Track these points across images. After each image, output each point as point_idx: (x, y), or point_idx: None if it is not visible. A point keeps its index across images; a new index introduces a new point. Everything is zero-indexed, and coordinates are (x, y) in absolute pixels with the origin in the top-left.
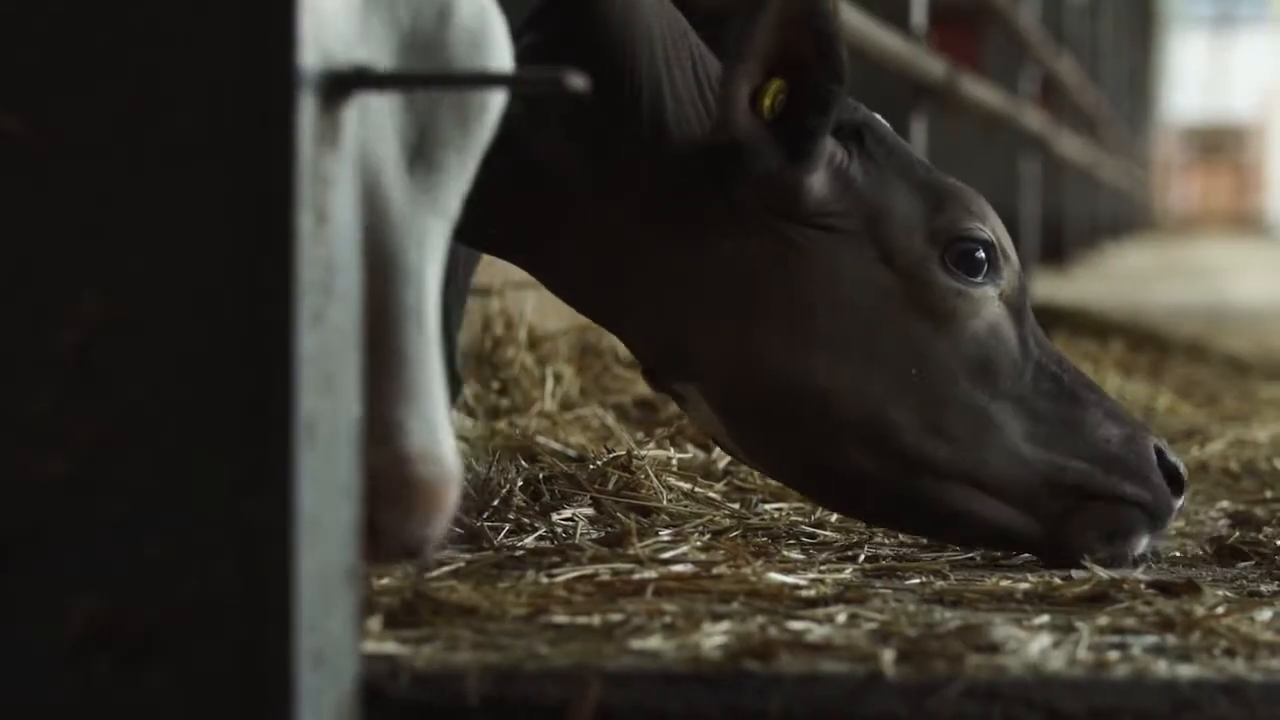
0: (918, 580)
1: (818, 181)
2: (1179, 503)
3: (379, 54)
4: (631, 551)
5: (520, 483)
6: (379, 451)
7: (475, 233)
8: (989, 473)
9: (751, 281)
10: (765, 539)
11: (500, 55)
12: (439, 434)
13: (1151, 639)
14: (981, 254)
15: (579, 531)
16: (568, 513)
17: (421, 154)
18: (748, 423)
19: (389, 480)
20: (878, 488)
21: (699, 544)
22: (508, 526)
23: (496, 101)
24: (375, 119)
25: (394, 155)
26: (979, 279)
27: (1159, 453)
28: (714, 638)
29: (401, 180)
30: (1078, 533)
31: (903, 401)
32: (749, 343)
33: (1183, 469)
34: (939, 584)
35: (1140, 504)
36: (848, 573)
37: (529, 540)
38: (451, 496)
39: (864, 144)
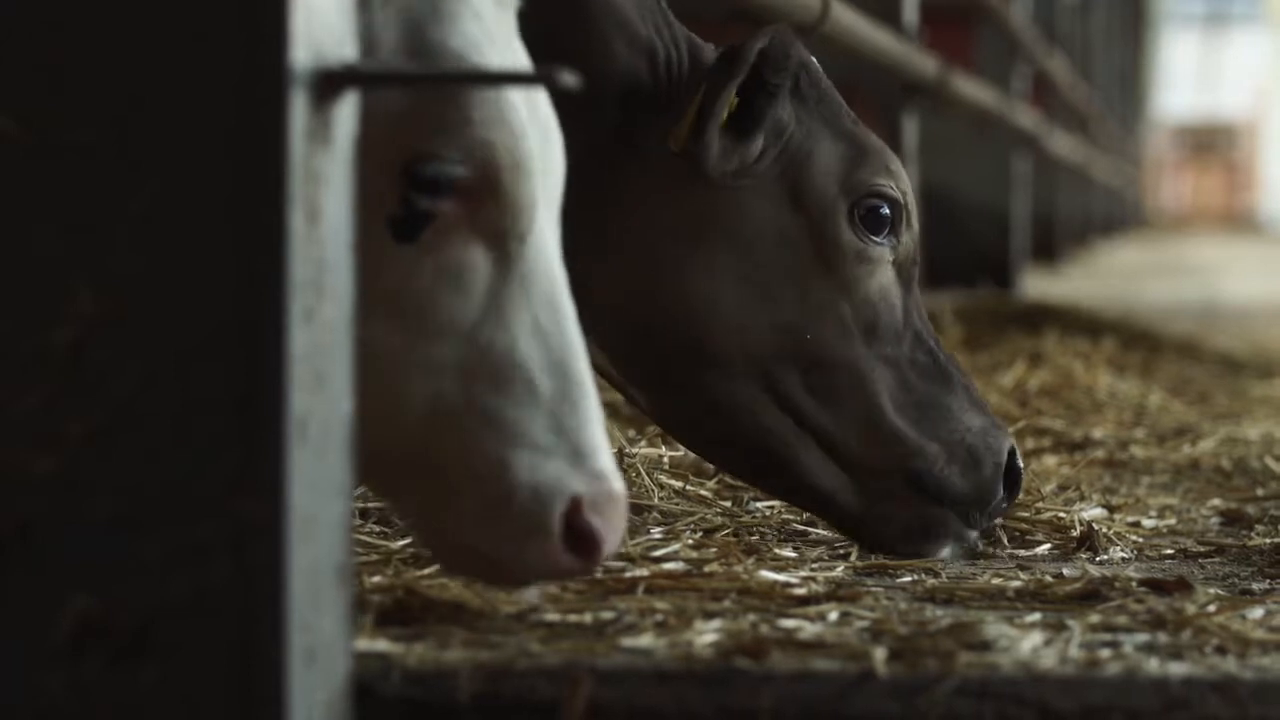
0: (909, 578)
1: (755, 141)
2: (1005, 506)
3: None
4: (623, 549)
5: None
6: (586, 478)
7: None
8: (846, 439)
9: (657, 211)
10: (757, 537)
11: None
12: (605, 447)
13: (1143, 637)
14: (887, 211)
15: None
16: None
17: (544, 170)
18: (631, 355)
19: (602, 504)
20: (739, 432)
21: (691, 542)
22: None
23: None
24: (533, 144)
25: (542, 188)
26: (880, 238)
27: (1010, 453)
28: (706, 635)
29: (547, 205)
30: (887, 522)
31: (783, 347)
32: (645, 272)
33: (1024, 477)
34: (930, 582)
35: (963, 503)
36: (839, 571)
37: None
38: (626, 505)
39: (798, 84)
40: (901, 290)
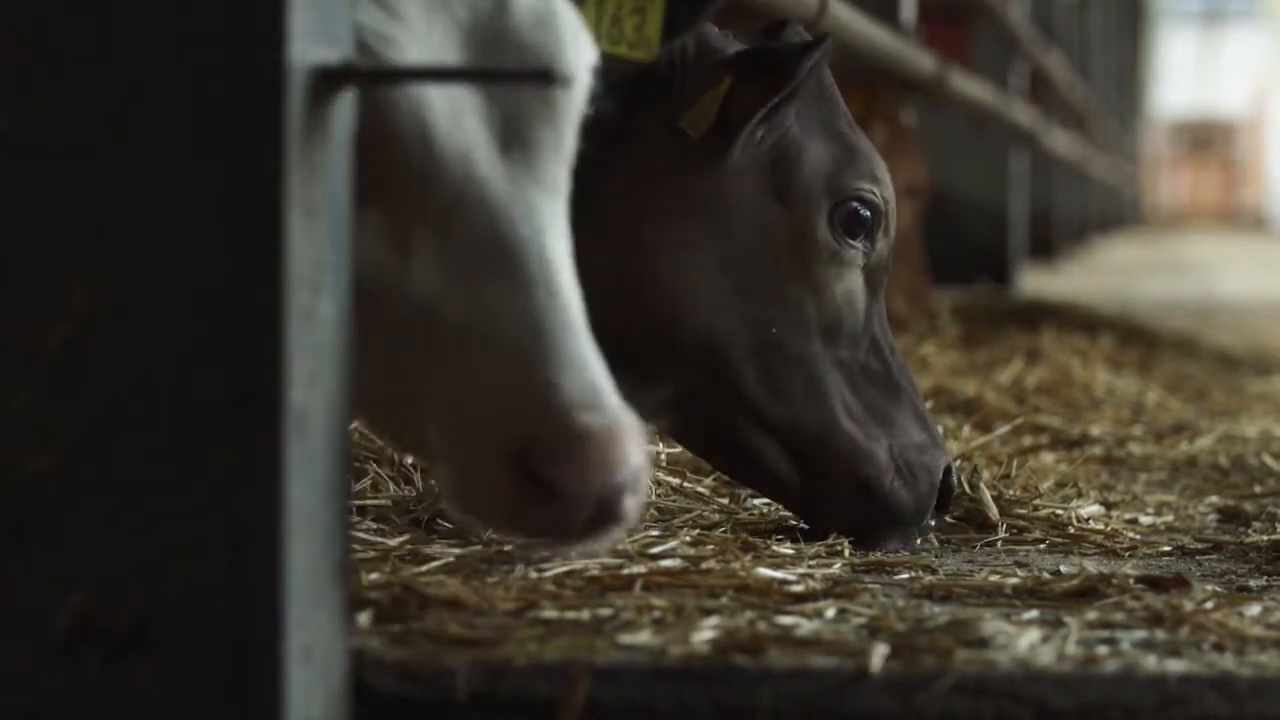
0: (907, 575)
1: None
2: (934, 524)
3: (442, 51)
4: (620, 546)
5: None
6: (540, 417)
7: None
8: (798, 436)
9: (645, 191)
10: (754, 534)
11: (568, 33)
12: (597, 387)
13: (1140, 634)
14: (867, 214)
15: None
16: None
17: (515, 135)
18: (603, 332)
19: (554, 437)
20: (702, 416)
21: (688, 539)
22: None
23: (576, 71)
24: (454, 109)
25: (483, 142)
26: (856, 242)
27: (946, 471)
28: (703, 633)
29: (497, 164)
30: (831, 520)
31: (748, 336)
32: (628, 250)
33: (956, 493)
34: (928, 579)
35: (904, 518)
36: (837, 568)
37: None
38: (628, 445)
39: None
40: (868, 296)
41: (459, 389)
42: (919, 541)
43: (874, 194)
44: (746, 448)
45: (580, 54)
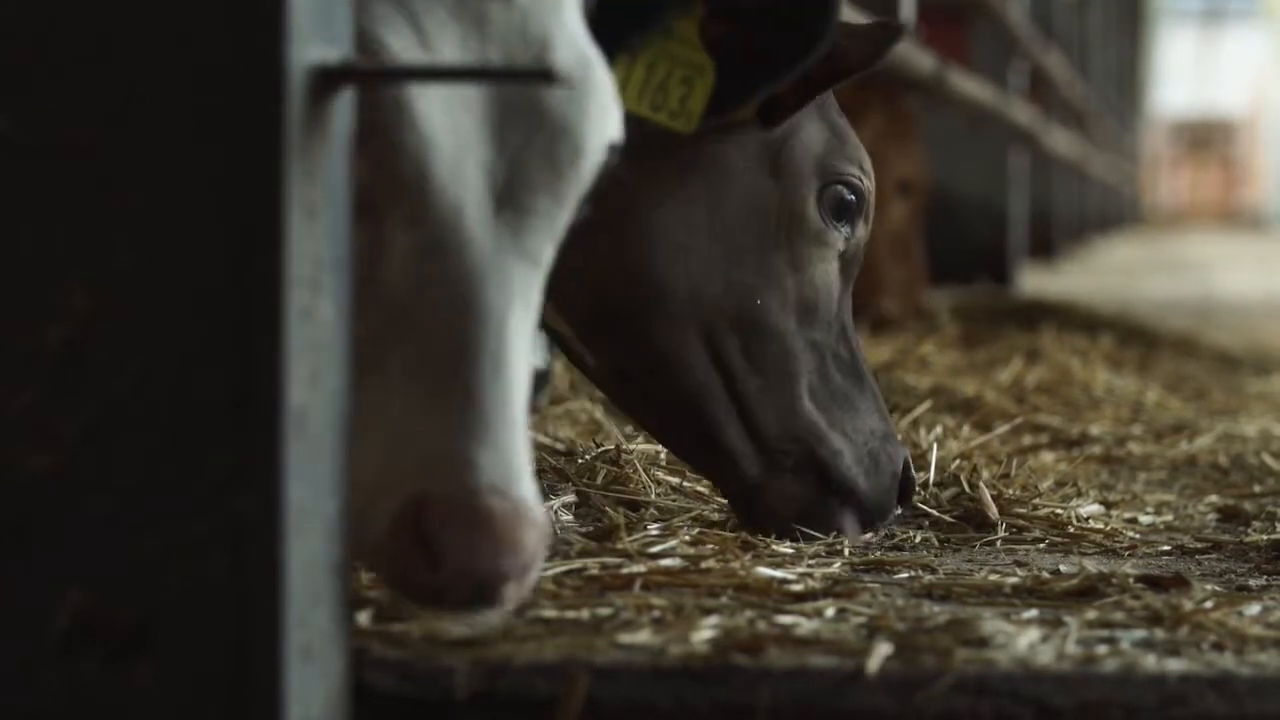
0: (906, 574)
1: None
2: (897, 511)
3: (466, 93)
4: (620, 546)
5: None
6: (446, 483)
7: None
8: (765, 410)
9: (644, 158)
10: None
11: (600, 103)
12: (514, 472)
13: (1140, 633)
14: (852, 198)
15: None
16: (555, 503)
17: (511, 197)
18: (588, 303)
19: (456, 511)
20: (671, 384)
21: (687, 538)
22: None
23: (593, 148)
24: (459, 162)
25: (478, 197)
26: (840, 225)
27: (905, 465)
28: (702, 632)
29: (485, 222)
30: (785, 500)
31: (732, 307)
32: (621, 215)
33: (916, 486)
34: (928, 578)
35: (861, 504)
36: (836, 567)
37: None
38: (527, 535)
39: None
40: (841, 283)
41: (381, 432)
42: (871, 535)
43: (860, 180)
44: (711, 419)
45: (603, 131)
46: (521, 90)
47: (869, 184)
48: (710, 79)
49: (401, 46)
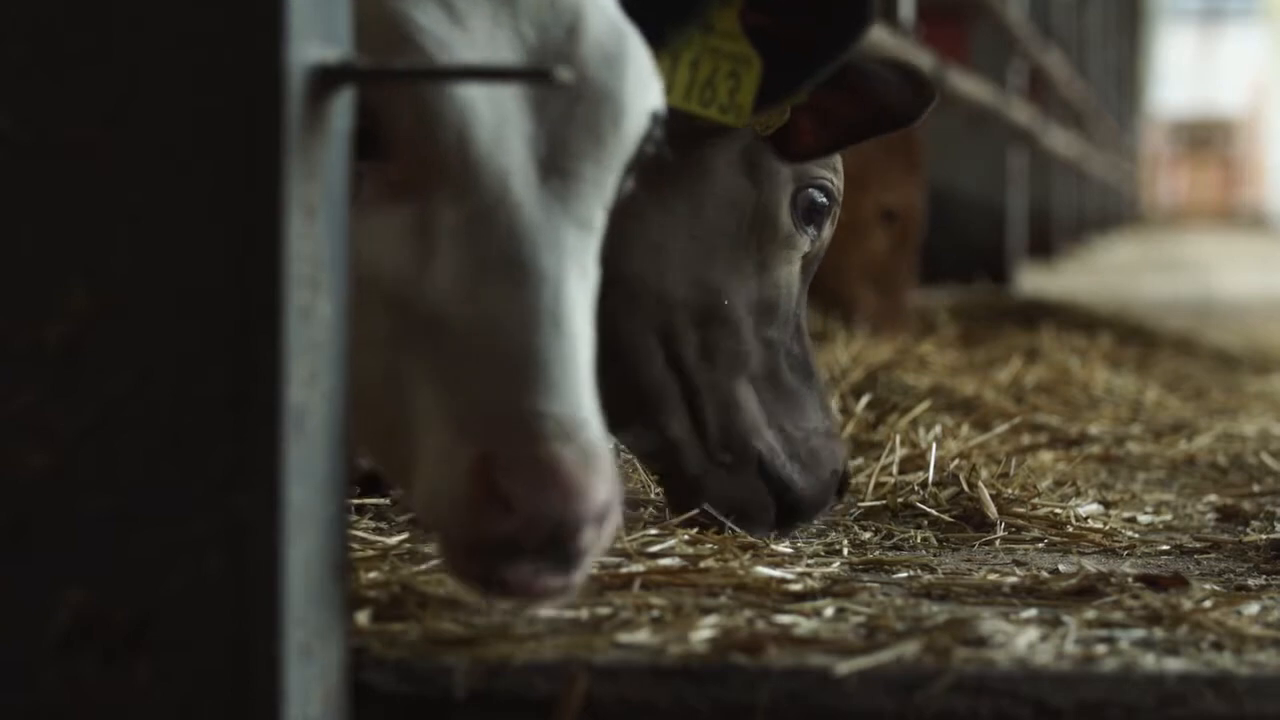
0: (905, 574)
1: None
2: (835, 504)
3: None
4: (619, 545)
5: None
6: (512, 436)
7: None
8: (712, 403)
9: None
10: None
11: (637, 71)
12: (580, 423)
13: (1139, 633)
14: (824, 201)
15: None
16: None
17: (556, 165)
18: None
19: (522, 459)
20: (626, 374)
21: (686, 537)
22: None
23: (634, 113)
24: (500, 131)
25: (522, 165)
26: (809, 228)
27: (845, 461)
28: (702, 631)
29: (532, 188)
30: (717, 494)
31: (697, 304)
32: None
33: (850, 481)
34: (927, 578)
35: (797, 500)
36: (835, 566)
37: None
38: (595, 480)
39: None
40: (800, 281)
41: (447, 399)
42: (801, 530)
43: (832, 183)
44: (661, 411)
45: (644, 99)
46: (562, 58)
47: (838, 185)
48: (757, 70)
49: (432, 23)
